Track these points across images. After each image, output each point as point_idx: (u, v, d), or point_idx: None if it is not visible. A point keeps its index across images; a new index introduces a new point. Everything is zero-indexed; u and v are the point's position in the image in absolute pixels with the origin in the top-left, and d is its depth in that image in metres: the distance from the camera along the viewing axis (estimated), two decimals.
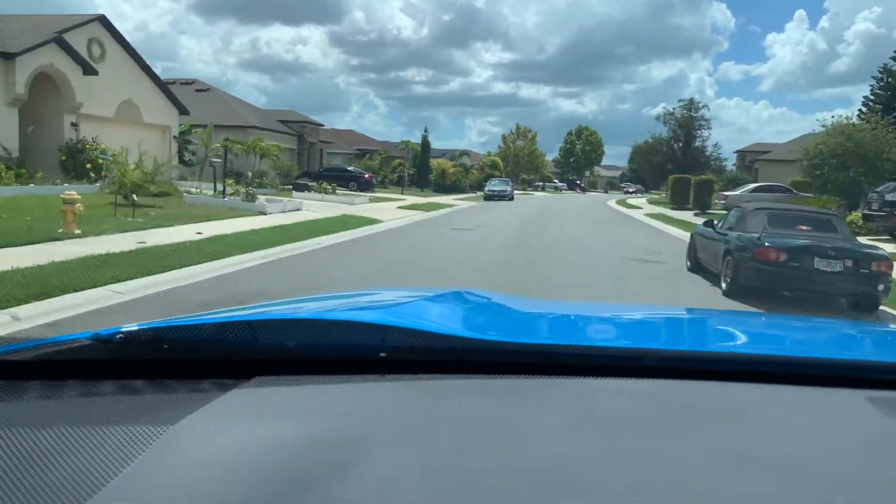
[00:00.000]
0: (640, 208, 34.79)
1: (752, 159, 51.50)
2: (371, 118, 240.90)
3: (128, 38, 23.12)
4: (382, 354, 0.87)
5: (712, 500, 0.60)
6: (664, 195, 66.69)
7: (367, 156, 50.16)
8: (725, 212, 28.55)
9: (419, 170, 46.16)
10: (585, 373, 0.88)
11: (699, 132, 43.54)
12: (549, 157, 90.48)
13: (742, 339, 1.38)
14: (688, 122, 43.07)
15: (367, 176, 35.59)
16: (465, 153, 54.19)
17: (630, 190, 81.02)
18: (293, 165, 32.09)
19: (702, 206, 28.73)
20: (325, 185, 25.56)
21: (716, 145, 46.30)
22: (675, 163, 43.55)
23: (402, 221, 18.58)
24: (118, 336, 0.81)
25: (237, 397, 0.78)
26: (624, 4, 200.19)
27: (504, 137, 78.67)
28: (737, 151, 48.35)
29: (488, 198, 39.38)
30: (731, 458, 0.67)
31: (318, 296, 1.62)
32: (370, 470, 0.62)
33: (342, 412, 0.76)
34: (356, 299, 1.44)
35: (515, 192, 58.01)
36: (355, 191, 34.86)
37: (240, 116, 33.93)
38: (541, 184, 79.18)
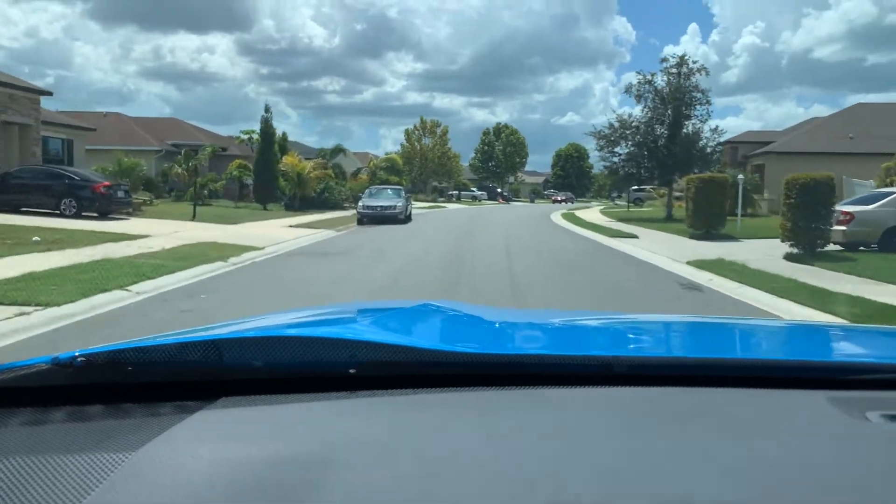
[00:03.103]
0: (635, 237, 18.71)
1: (749, 153, 37.11)
2: (284, 127, 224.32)
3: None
4: (352, 370, 0.85)
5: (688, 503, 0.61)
6: (618, 205, 52.17)
7: (181, 154, 32.06)
8: (839, 248, 12.64)
9: (258, 174, 28.54)
10: (558, 382, 0.86)
11: (692, 109, 27.87)
12: (465, 163, 74.77)
13: (709, 344, 1.38)
14: (677, 93, 27.32)
15: (98, 187, 17.60)
16: (340, 149, 36.73)
17: (559, 198, 67.30)
18: None
19: (809, 240, 12.77)
20: None
21: (715, 130, 28.86)
22: (655, 157, 27.97)
23: None
24: (79, 359, 0.78)
25: (202, 419, 0.75)
26: (531, 17, 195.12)
27: (408, 133, 61.61)
28: (726, 143, 33.50)
29: (365, 219, 22.36)
30: (703, 462, 0.68)
31: (285, 311, 1.46)
32: (342, 489, 0.61)
33: (312, 431, 0.74)
34: (324, 314, 1.41)
35: (419, 206, 40.62)
36: (73, 214, 16.94)
37: None
38: (455, 192, 62.87)
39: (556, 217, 32.09)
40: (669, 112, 27.75)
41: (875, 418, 0.77)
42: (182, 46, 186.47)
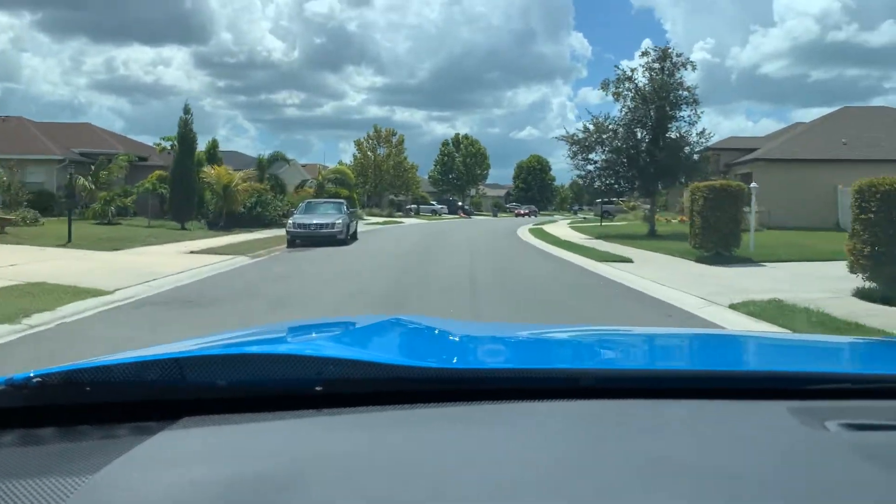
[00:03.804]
0: (629, 261, 14.98)
1: (733, 160, 34.11)
2: (241, 142, 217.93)
3: None
4: (318, 388, 0.83)
5: None
6: (586, 219, 48.64)
7: (94, 164, 27.34)
8: None
9: (174, 187, 24.07)
10: (526, 396, 0.86)
11: (677, 111, 24.51)
12: (425, 175, 71.03)
13: (674, 356, 1.44)
14: (662, 90, 23.92)
15: None
16: (279, 157, 32.39)
17: (522, 212, 64.54)
18: None
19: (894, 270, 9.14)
20: None
21: (702, 133, 24.67)
22: (635, 165, 24.48)
23: None
24: (34, 380, 0.75)
25: (164, 440, 0.74)
26: (490, 32, 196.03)
27: (359, 143, 57.32)
28: (708, 150, 30.27)
29: (297, 240, 18.20)
30: (666, 474, 0.68)
31: (249, 329, 1.42)
32: None
33: (278, 450, 0.72)
34: (288, 331, 1.41)
35: (372, 221, 35.58)
36: None
37: None
38: (414, 206, 58.89)
39: (525, 233, 28.32)
40: (652, 113, 24.25)
41: (833, 427, 0.79)
42: (135, 59, 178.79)
